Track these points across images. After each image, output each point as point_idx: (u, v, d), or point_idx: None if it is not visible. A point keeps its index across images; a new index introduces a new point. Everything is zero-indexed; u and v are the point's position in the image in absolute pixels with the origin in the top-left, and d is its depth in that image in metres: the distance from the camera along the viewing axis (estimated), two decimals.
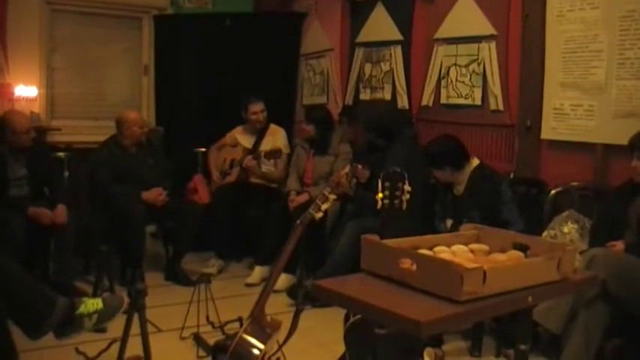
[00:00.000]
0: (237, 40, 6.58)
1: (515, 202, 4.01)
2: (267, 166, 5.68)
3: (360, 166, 4.19)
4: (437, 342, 3.73)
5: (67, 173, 5.37)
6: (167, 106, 6.70)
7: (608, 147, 3.99)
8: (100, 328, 3.28)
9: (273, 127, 5.88)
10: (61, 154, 5.48)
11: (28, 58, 6.16)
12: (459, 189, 4.11)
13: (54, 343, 3.16)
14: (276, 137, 5.84)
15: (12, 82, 6.00)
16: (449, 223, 4.06)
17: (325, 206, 3.13)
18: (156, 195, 5.05)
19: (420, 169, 4.13)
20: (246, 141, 5.82)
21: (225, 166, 5.80)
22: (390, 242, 2.10)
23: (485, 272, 1.81)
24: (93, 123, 6.45)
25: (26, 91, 6.05)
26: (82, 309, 3.10)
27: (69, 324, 3.07)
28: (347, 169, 4.03)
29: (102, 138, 5.26)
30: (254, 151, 5.73)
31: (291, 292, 4.62)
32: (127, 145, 5.14)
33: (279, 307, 4.24)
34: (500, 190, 3.99)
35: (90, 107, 6.69)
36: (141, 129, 5.18)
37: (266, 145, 5.72)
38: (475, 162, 4.12)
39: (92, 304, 3.14)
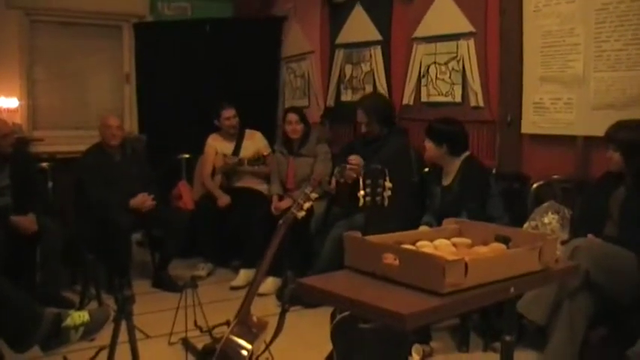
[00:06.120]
0: (217, 46, 6.60)
1: (500, 195, 4.04)
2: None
3: (348, 166, 4.21)
4: (425, 338, 3.75)
5: (50, 184, 5.34)
6: (150, 113, 6.68)
7: (588, 139, 4.02)
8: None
9: (248, 131, 5.88)
10: (44, 164, 5.44)
11: (9, 70, 6.14)
12: (448, 179, 4.11)
13: (41, 352, 3.16)
14: (255, 141, 5.86)
15: None
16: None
17: (307, 205, 3.15)
18: (142, 200, 5.04)
19: (408, 165, 4.14)
20: (225, 148, 5.80)
21: (227, 162, 5.73)
22: (373, 238, 2.12)
23: (466, 264, 1.83)
24: (76, 133, 6.41)
25: (7, 102, 6.04)
26: (68, 322, 3.09)
27: (55, 337, 3.06)
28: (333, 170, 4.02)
29: (85, 147, 5.24)
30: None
31: (280, 294, 4.63)
32: (111, 151, 5.13)
33: (266, 309, 4.25)
34: (489, 183, 4.03)
35: (72, 117, 6.66)
36: (117, 131, 5.14)
37: (247, 151, 5.73)
38: (465, 153, 4.14)
39: (78, 317, 3.13)
